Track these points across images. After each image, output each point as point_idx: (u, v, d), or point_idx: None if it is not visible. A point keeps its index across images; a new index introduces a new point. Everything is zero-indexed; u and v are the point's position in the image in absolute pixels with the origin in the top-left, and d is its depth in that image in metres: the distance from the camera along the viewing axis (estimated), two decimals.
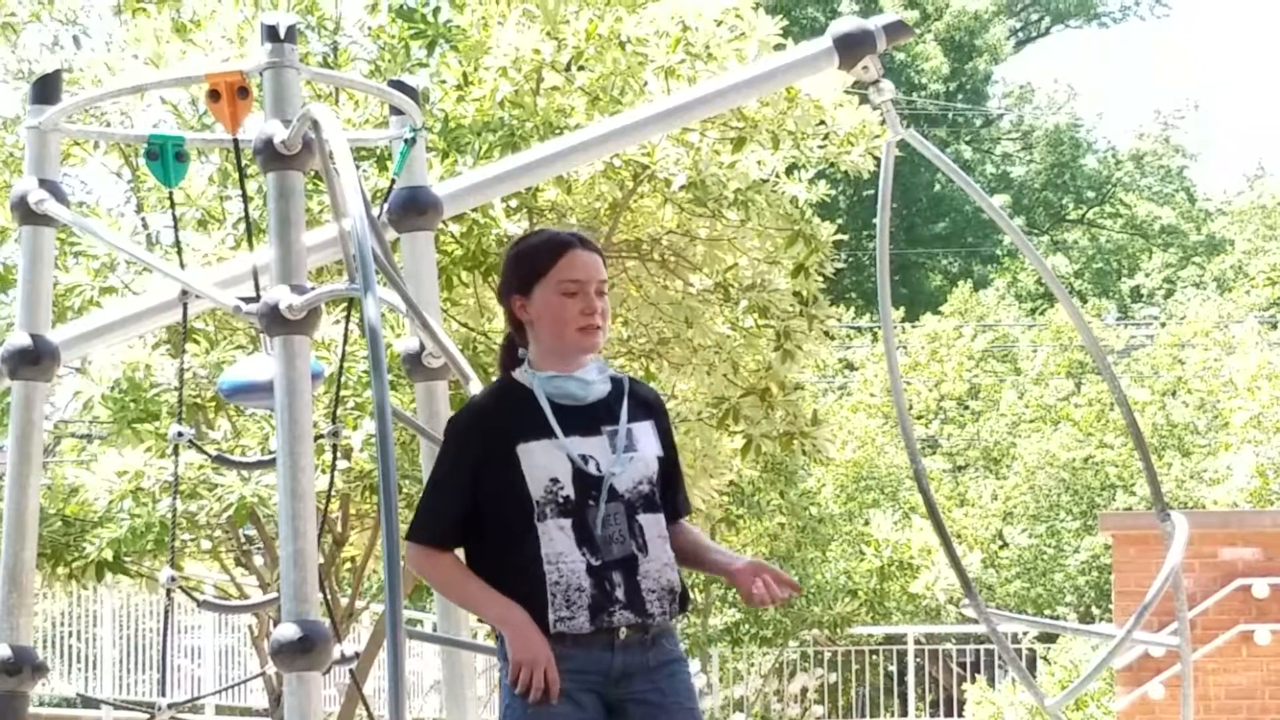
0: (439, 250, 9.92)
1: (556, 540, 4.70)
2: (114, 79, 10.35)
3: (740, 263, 11.55)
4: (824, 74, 6.86)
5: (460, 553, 4.84)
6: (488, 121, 10.45)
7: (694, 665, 21.52)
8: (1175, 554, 6.02)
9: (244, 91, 5.38)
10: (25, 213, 5.74)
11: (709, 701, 22.57)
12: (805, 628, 22.59)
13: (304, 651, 4.97)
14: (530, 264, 4.87)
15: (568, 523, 4.71)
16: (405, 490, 10.17)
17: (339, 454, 9.82)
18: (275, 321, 5.09)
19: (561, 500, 4.71)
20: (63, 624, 16.76)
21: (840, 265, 12.07)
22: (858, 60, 5.90)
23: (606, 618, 4.71)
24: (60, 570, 10.91)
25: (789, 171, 11.48)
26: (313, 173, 5.40)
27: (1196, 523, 13.13)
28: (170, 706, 6.05)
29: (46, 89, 5.81)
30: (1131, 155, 46.84)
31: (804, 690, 23.70)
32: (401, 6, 11.16)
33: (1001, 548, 28.80)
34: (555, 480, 4.71)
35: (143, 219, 11.56)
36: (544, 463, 4.72)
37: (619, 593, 4.72)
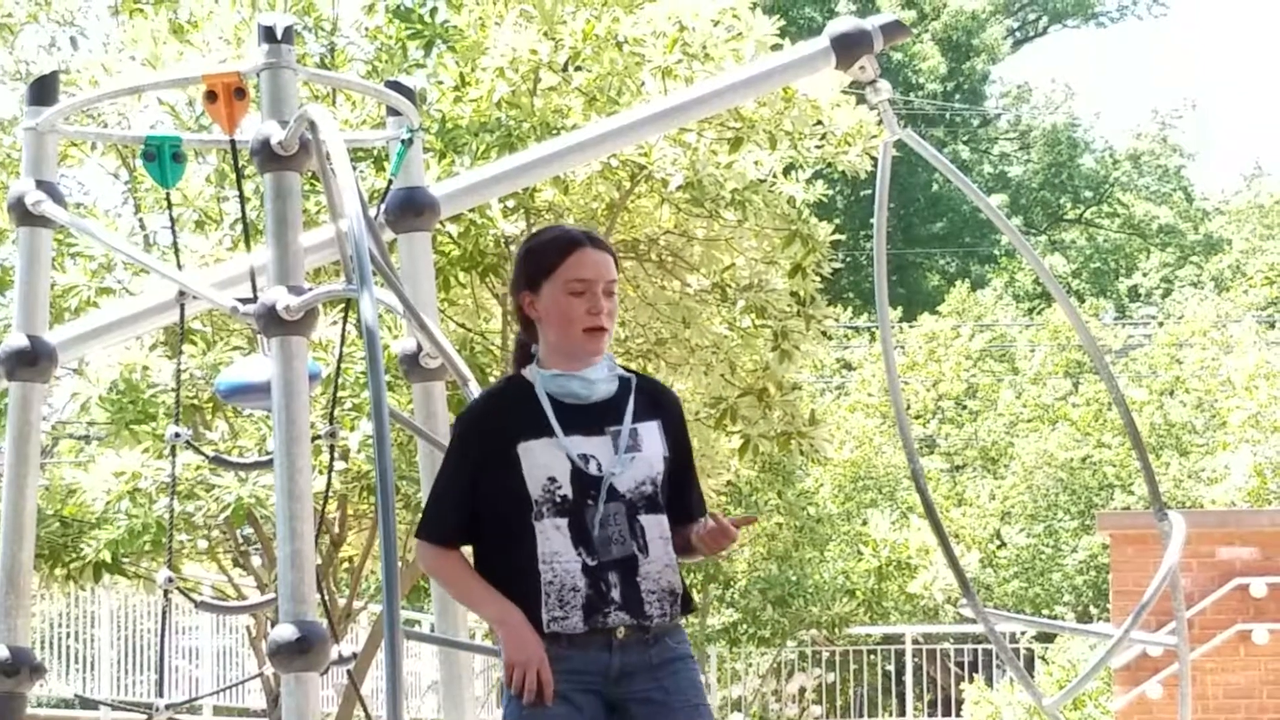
0: (436, 251, 9.92)
1: (552, 539, 4.69)
2: (111, 80, 10.35)
3: (737, 263, 11.55)
4: (821, 74, 6.86)
5: (470, 550, 4.84)
6: (485, 122, 10.45)
7: None
8: (1173, 553, 6.03)
9: (241, 92, 5.38)
10: (22, 214, 5.74)
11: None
12: (803, 628, 22.59)
13: (302, 652, 4.97)
14: (539, 261, 4.85)
15: (564, 522, 4.69)
16: (403, 491, 10.18)
17: (336, 455, 9.81)
18: (272, 322, 5.09)
19: (559, 500, 4.70)
20: (60, 625, 16.76)
21: (837, 265, 12.06)
22: (855, 60, 5.90)
23: (601, 619, 4.69)
24: (58, 571, 10.91)
25: (786, 171, 11.48)
26: (310, 173, 5.40)
27: (1194, 522, 13.13)
28: (168, 707, 6.05)
29: (43, 90, 5.81)
30: (1129, 155, 46.84)
31: (802, 690, 23.70)
32: (399, 7, 11.16)
33: (999, 547, 28.80)
34: (553, 479, 4.70)
35: (140, 220, 11.56)
36: (543, 462, 4.70)
37: (615, 593, 4.70)
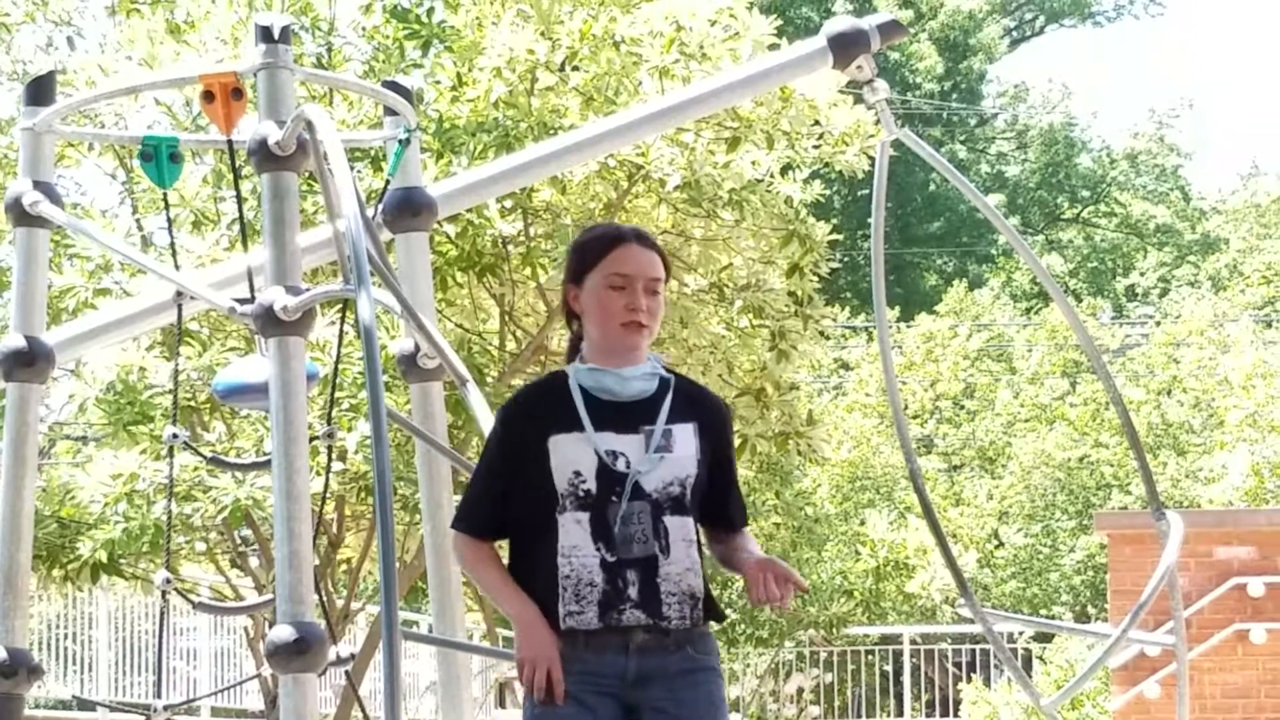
0: (434, 251, 9.92)
1: (572, 533, 4.67)
2: (108, 80, 10.34)
3: (735, 263, 11.55)
4: (818, 73, 6.86)
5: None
6: (482, 122, 10.45)
7: None
8: (1170, 553, 6.02)
9: (238, 92, 5.38)
10: (20, 214, 5.74)
11: None
12: (801, 628, 22.59)
13: (299, 653, 4.97)
14: (584, 255, 4.83)
15: (585, 516, 4.67)
16: (400, 492, 10.18)
17: (334, 455, 9.81)
18: (270, 323, 5.09)
19: (582, 494, 4.67)
20: (58, 626, 16.75)
21: (835, 265, 12.06)
22: (852, 59, 5.90)
23: (616, 615, 4.66)
24: (56, 572, 10.90)
25: (783, 171, 11.48)
26: (307, 174, 5.40)
27: (1192, 522, 13.12)
28: (166, 708, 6.05)
29: (40, 91, 5.81)
30: (1126, 154, 46.85)
31: (800, 690, 23.70)
32: (396, 7, 11.15)
33: (997, 547, 28.80)
34: (578, 473, 4.68)
35: (137, 220, 11.56)
36: (570, 456, 4.69)
37: (632, 591, 4.67)
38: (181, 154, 5.71)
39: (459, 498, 4.97)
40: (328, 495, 9.13)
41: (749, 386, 11.61)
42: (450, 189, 6.18)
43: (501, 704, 17.20)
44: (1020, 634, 23.03)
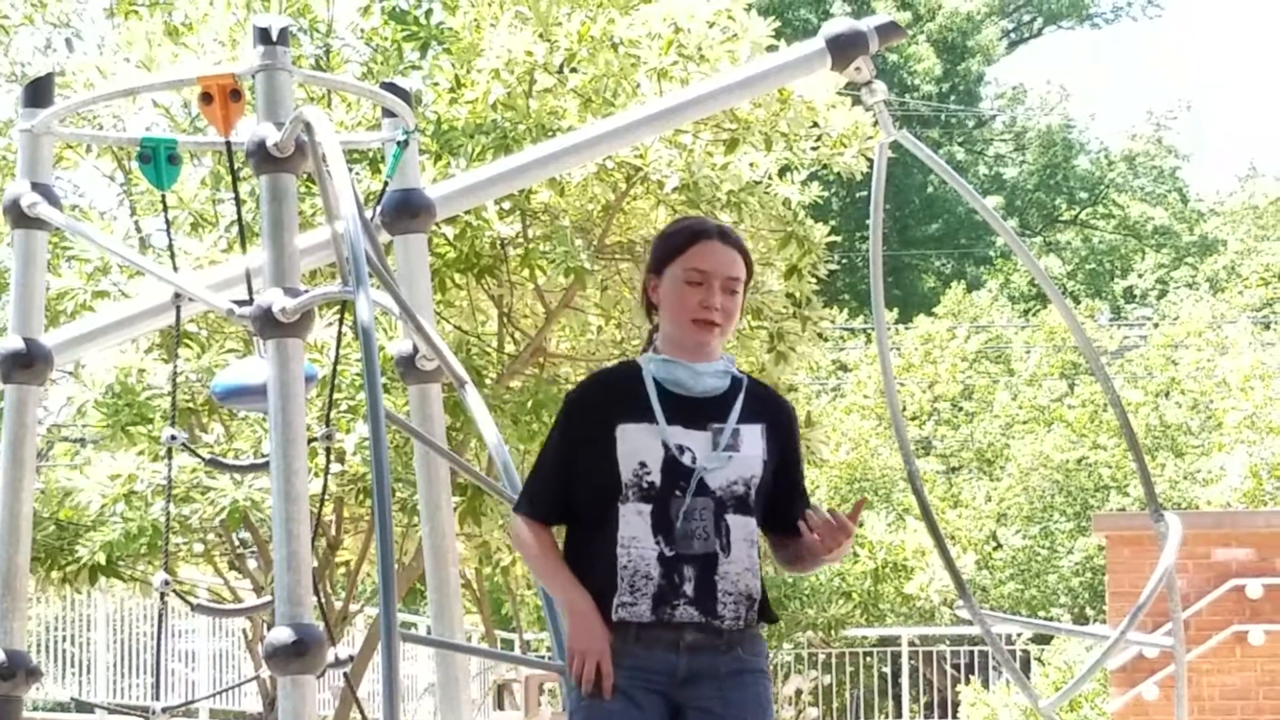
0: (432, 253, 9.91)
1: (633, 524, 4.65)
2: (106, 82, 10.34)
3: None
4: (817, 75, 6.86)
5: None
6: (480, 124, 10.45)
7: None
8: (1169, 555, 6.03)
9: (236, 94, 5.38)
10: (18, 216, 5.74)
11: None
12: (799, 630, 22.58)
13: (298, 655, 4.97)
14: (666, 246, 4.83)
15: (648, 508, 4.65)
16: (399, 494, 10.17)
17: (332, 457, 9.81)
18: (268, 324, 5.09)
19: (646, 485, 4.65)
20: (57, 628, 16.76)
21: (833, 267, 12.05)
22: (850, 61, 5.90)
23: (669, 610, 4.64)
24: (54, 574, 10.89)
25: (782, 173, 11.47)
26: (305, 175, 5.40)
27: (1190, 523, 13.11)
28: (164, 710, 6.05)
29: (39, 92, 5.81)
30: (1124, 156, 46.86)
31: (798, 692, 23.68)
32: (394, 9, 11.15)
33: (995, 549, 28.81)
34: (643, 465, 4.66)
35: (135, 222, 11.55)
36: (637, 445, 4.67)
37: (688, 587, 4.65)
38: (180, 156, 5.71)
39: (458, 499, 4.98)
40: (326, 497, 9.12)
41: None
42: (449, 191, 6.18)
43: (500, 705, 17.19)
44: (1019, 636, 23.03)
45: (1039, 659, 20.76)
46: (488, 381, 10.87)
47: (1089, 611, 28.27)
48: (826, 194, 14.03)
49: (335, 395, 9.66)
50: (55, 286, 10.42)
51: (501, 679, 17.32)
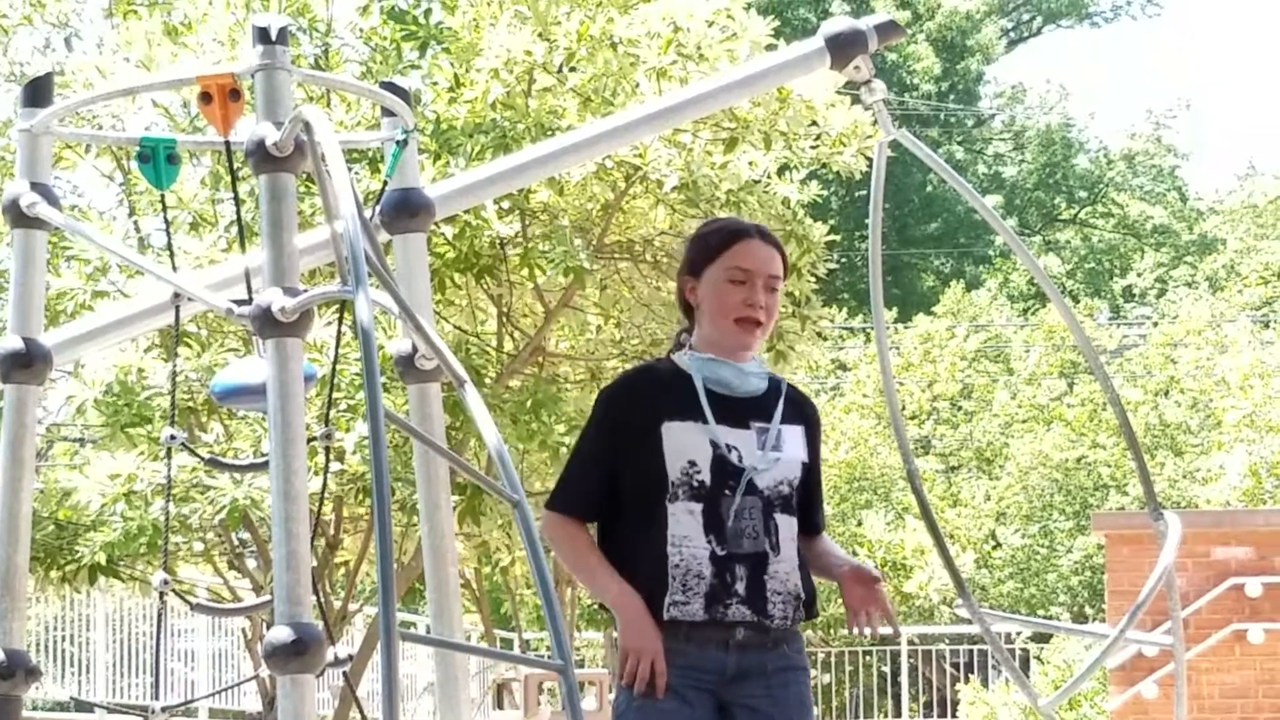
0: (431, 252, 9.92)
1: (684, 523, 4.64)
2: (105, 82, 10.34)
3: None
4: (816, 74, 6.86)
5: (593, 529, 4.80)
6: (479, 123, 10.45)
7: None
8: (1168, 553, 6.02)
9: (235, 94, 5.37)
10: (17, 216, 5.73)
11: None
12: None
13: (297, 654, 4.97)
14: (704, 247, 4.83)
15: (699, 507, 4.65)
16: (398, 493, 10.17)
17: (332, 456, 9.81)
18: (267, 324, 5.08)
19: (696, 484, 4.65)
20: (56, 628, 16.76)
21: (833, 266, 12.06)
22: (849, 60, 5.89)
23: (721, 609, 4.63)
24: (53, 574, 10.90)
25: (781, 172, 11.48)
26: (305, 175, 5.39)
27: (1189, 522, 13.11)
28: (164, 710, 6.04)
29: (38, 92, 5.80)
30: (1123, 155, 46.87)
31: None
32: (393, 8, 11.15)
33: (995, 548, 28.81)
34: (693, 463, 4.65)
35: (135, 222, 11.55)
36: (685, 444, 4.66)
37: (739, 586, 4.65)
38: (179, 155, 5.70)
39: (457, 499, 4.99)
40: (325, 496, 9.13)
41: None
42: (448, 190, 6.17)
43: (499, 705, 17.19)
44: (1018, 634, 23.04)
45: (1038, 658, 20.76)
46: (487, 381, 10.88)
47: (1088, 610, 28.28)
48: (825, 193, 14.04)
49: (335, 394, 9.66)
50: (55, 286, 10.43)
51: (501, 678, 17.32)
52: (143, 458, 10.35)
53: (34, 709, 16.42)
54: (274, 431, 5.07)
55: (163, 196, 6.45)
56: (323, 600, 10.97)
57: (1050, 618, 27.22)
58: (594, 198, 11.01)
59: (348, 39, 11.39)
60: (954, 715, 22.22)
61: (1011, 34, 50.74)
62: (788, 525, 4.74)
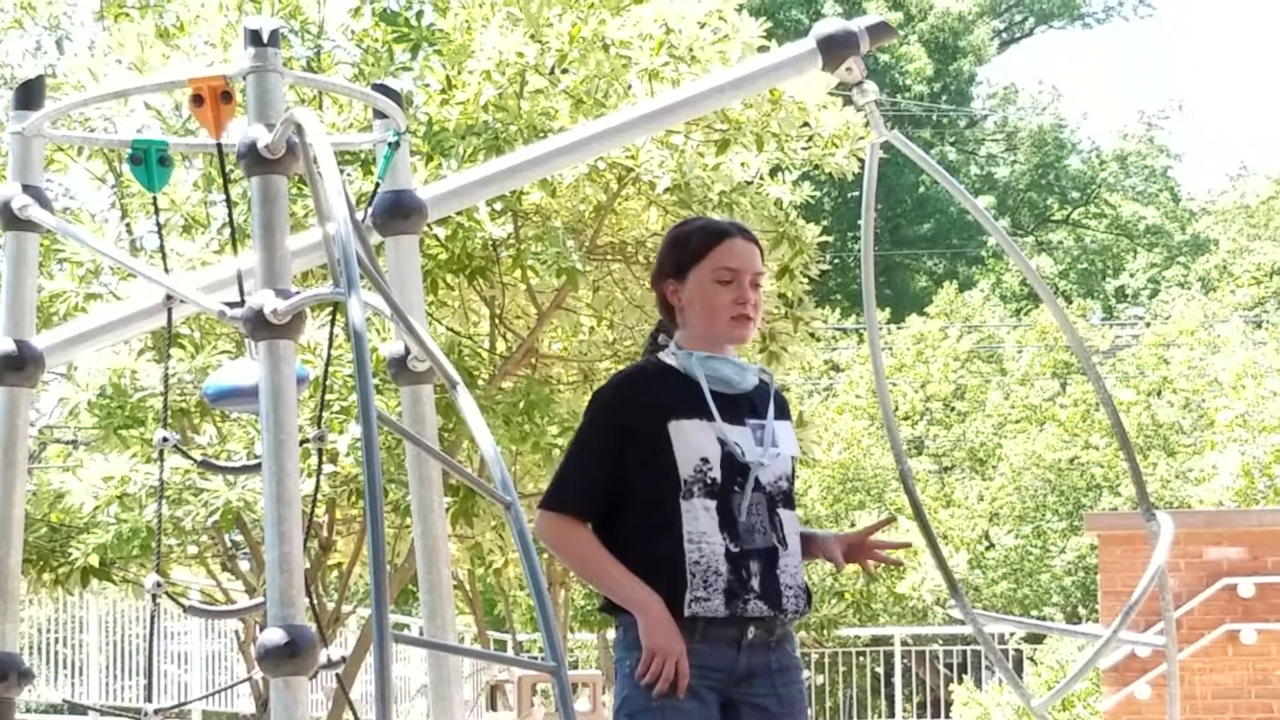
0: (424, 254, 9.91)
1: (701, 520, 4.66)
2: (97, 84, 10.34)
3: None
4: (808, 75, 6.87)
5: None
6: (471, 125, 10.45)
7: None
8: (1161, 554, 6.02)
9: (227, 96, 5.37)
10: (9, 218, 5.73)
11: None
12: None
13: (290, 656, 4.97)
14: (687, 249, 4.85)
15: (713, 504, 4.67)
16: (391, 495, 10.17)
17: (324, 459, 9.81)
18: (260, 326, 5.08)
19: (709, 481, 4.67)
20: (49, 630, 16.75)
21: (825, 267, 12.06)
22: (841, 61, 5.90)
23: (741, 605, 4.66)
24: (46, 576, 10.89)
25: (773, 173, 11.48)
26: (297, 177, 5.39)
27: (1182, 522, 13.15)
28: (157, 712, 6.04)
29: (29, 94, 5.80)
30: (1115, 155, 46.91)
31: None
32: (384, 10, 11.15)
33: (988, 548, 28.83)
34: (705, 460, 4.68)
35: (127, 225, 11.55)
36: (695, 441, 4.68)
37: (754, 582, 4.68)
38: (171, 158, 5.70)
39: (450, 500, 4.98)
40: (318, 498, 9.12)
41: None
42: (440, 192, 6.17)
43: (493, 706, 17.19)
44: (1011, 635, 23.05)
45: (1031, 658, 20.78)
46: (480, 382, 10.88)
47: (1081, 611, 28.29)
48: (818, 194, 14.01)
49: (327, 397, 9.66)
50: (47, 289, 10.42)
51: (494, 680, 17.33)
52: (135, 460, 10.35)
53: (27, 711, 16.41)
54: (266, 434, 5.07)
55: (155, 199, 6.46)
56: (316, 602, 10.99)
57: (1043, 618, 27.23)
58: (586, 199, 11.01)
59: (339, 41, 11.39)
60: (947, 716, 22.23)
61: (1004, 35, 50.77)
62: (790, 520, 4.80)
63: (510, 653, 19.52)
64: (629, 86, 10.62)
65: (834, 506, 26.70)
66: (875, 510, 26.00)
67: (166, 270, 6.46)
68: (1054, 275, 44.04)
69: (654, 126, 6.61)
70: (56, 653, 16.88)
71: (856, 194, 36.48)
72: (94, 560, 10.45)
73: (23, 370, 5.72)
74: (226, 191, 5.84)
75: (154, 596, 5.88)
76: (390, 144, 5.75)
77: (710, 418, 4.71)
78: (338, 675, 6.68)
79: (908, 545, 5.20)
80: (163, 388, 9.94)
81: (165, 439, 5.82)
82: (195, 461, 6.47)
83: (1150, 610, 12.08)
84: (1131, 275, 44.43)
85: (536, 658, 4.77)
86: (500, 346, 11.64)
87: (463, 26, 10.94)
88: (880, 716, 24.28)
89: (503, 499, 5.36)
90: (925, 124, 45.49)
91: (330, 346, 6.37)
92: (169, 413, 9.56)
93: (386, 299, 5.25)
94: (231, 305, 5.34)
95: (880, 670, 24.34)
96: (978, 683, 22.02)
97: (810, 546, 4.96)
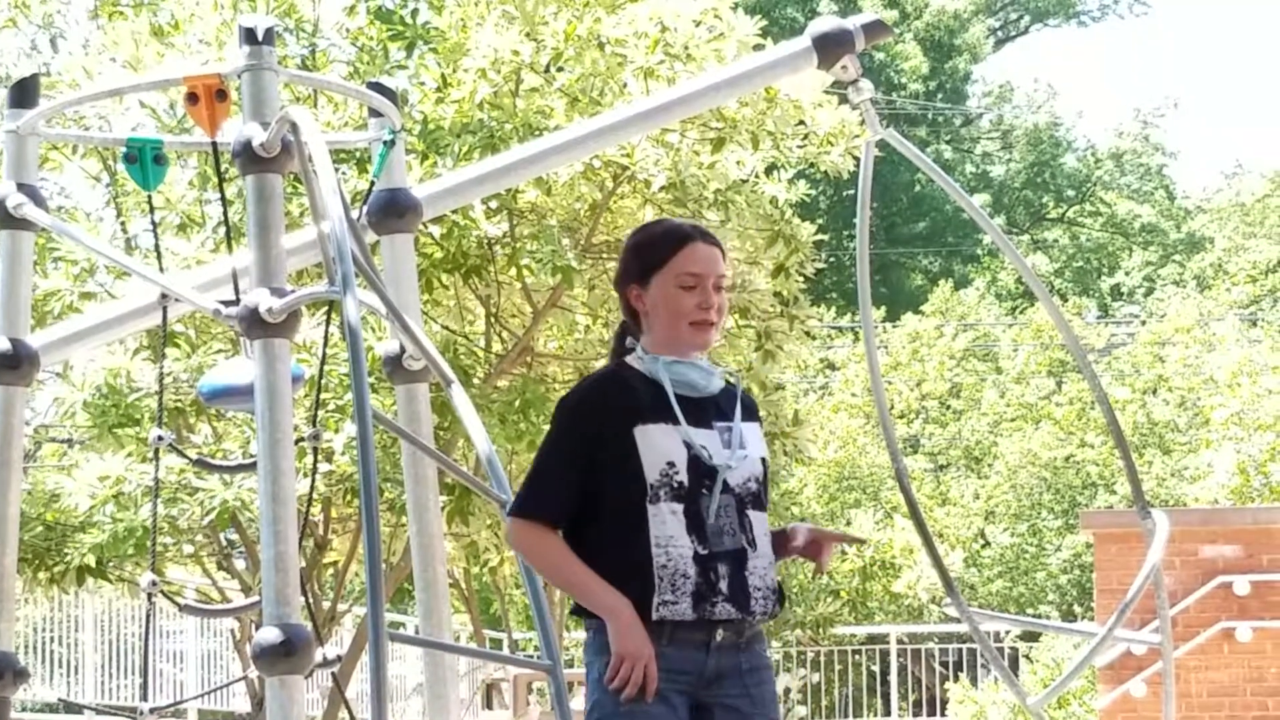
0: (419, 252, 9.91)
1: (668, 524, 4.67)
2: (92, 83, 10.33)
3: None
4: (803, 74, 6.87)
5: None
6: (467, 123, 10.44)
7: None
8: (1156, 552, 6.03)
9: (222, 94, 5.37)
10: (4, 217, 5.73)
11: None
12: (788, 628, 22.60)
13: (286, 655, 4.97)
14: (650, 254, 4.85)
15: (680, 508, 4.68)
16: (387, 494, 10.16)
17: (320, 457, 9.80)
18: (255, 325, 5.08)
19: (676, 485, 4.68)
20: (44, 629, 16.73)
21: (821, 265, 12.06)
22: (836, 60, 5.90)
23: (709, 608, 4.66)
24: (42, 575, 10.88)
25: (768, 172, 11.48)
26: (292, 175, 5.39)
27: (1177, 520, 13.15)
28: (152, 711, 6.04)
29: (24, 93, 5.80)
30: (1111, 154, 46.92)
31: (787, 691, 23.70)
32: (380, 9, 11.14)
33: (983, 547, 28.83)
34: (671, 464, 4.68)
35: (122, 223, 11.54)
36: (661, 446, 4.69)
37: (723, 585, 4.68)
38: (166, 156, 5.71)
39: (445, 499, 4.97)
40: (314, 497, 9.12)
41: None
42: (435, 190, 6.17)
43: (488, 705, 17.18)
44: (1007, 633, 23.05)
45: (1027, 656, 20.78)
46: (475, 381, 10.87)
47: (1077, 609, 28.30)
48: (813, 192, 14.01)
49: (323, 395, 9.65)
50: (42, 287, 10.42)
51: (490, 678, 17.32)
52: (131, 459, 10.34)
53: (22, 710, 16.40)
54: (262, 432, 5.07)
55: (150, 197, 6.47)
56: (311, 601, 10.97)
57: (1039, 616, 27.23)
58: (582, 197, 11.01)
59: (334, 39, 11.38)
60: (943, 714, 22.23)
61: (999, 33, 50.78)
62: (760, 521, 4.80)
63: (506, 651, 19.52)
64: (624, 85, 10.61)
65: (830, 505, 26.69)
66: (871, 509, 25.99)
67: (161, 269, 6.46)
68: (1049, 273, 44.04)
69: (649, 125, 6.62)
70: (52, 652, 16.87)
71: (852, 192, 36.51)
72: (90, 559, 10.44)
73: (18, 369, 5.73)
74: (221, 190, 5.84)
75: (150, 595, 5.88)
76: (385, 142, 5.75)
77: (676, 421, 4.72)
78: (333, 674, 6.67)
79: (862, 541, 5.17)
80: (158, 387, 9.94)
81: (161, 438, 5.82)
82: (191, 460, 6.46)
83: (1146, 608, 12.08)
84: (1127, 273, 44.44)
85: (532, 656, 4.76)
86: (495, 345, 11.64)
87: (458, 24, 10.94)
88: (876, 715, 24.28)
89: (498, 497, 5.36)
90: (920, 122, 45.50)
91: (325, 345, 6.38)
92: (164, 412, 9.57)
93: (382, 297, 5.25)
94: (227, 304, 5.35)
95: (876, 668, 24.33)
96: (973, 681, 22.02)
97: (780, 541, 4.96)
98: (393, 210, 5.88)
